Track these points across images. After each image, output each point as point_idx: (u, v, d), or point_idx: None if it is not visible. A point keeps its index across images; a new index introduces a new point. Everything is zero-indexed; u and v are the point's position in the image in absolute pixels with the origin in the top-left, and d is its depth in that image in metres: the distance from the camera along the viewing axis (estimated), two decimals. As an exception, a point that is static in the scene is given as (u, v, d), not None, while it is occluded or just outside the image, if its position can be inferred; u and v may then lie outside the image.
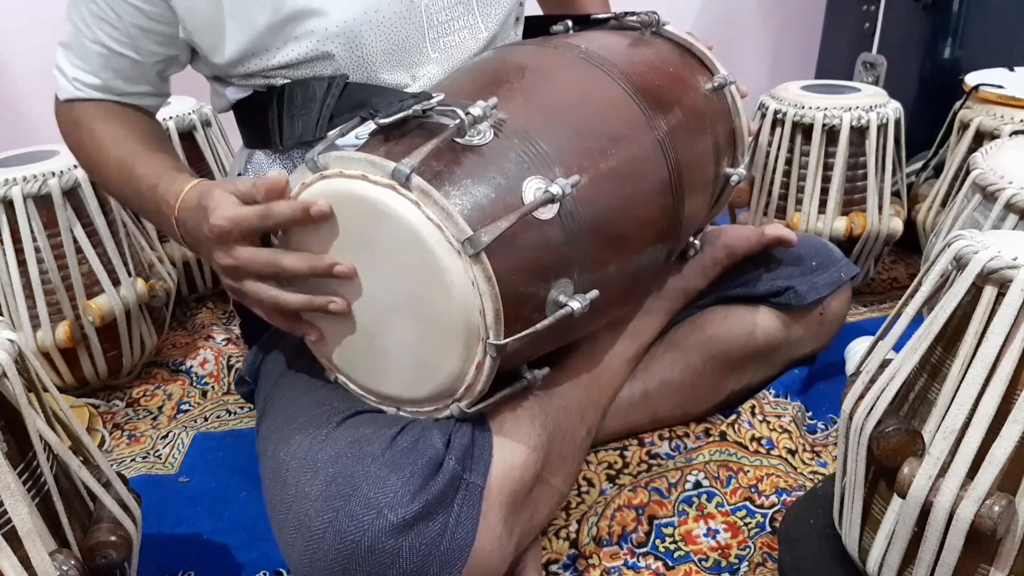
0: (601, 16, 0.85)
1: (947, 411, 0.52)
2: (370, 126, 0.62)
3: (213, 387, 1.11)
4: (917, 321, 0.58)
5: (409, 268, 0.59)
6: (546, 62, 0.73)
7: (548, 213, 0.60)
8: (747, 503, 0.81)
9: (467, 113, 0.59)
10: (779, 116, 1.17)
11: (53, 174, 0.98)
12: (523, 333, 0.59)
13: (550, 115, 0.67)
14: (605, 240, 0.66)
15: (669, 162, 0.72)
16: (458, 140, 0.60)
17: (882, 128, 1.14)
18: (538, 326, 0.59)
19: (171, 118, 1.23)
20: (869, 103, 1.14)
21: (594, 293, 0.62)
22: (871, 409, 0.57)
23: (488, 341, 0.58)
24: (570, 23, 0.84)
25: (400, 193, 0.57)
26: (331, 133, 0.64)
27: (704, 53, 0.83)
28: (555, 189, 0.59)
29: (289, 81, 0.73)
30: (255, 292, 0.63)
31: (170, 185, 0.69)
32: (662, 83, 0.75)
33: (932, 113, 1.31)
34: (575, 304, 0.60)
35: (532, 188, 0.60)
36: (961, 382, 0.52)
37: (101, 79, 0.76)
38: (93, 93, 0.77)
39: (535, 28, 0.87)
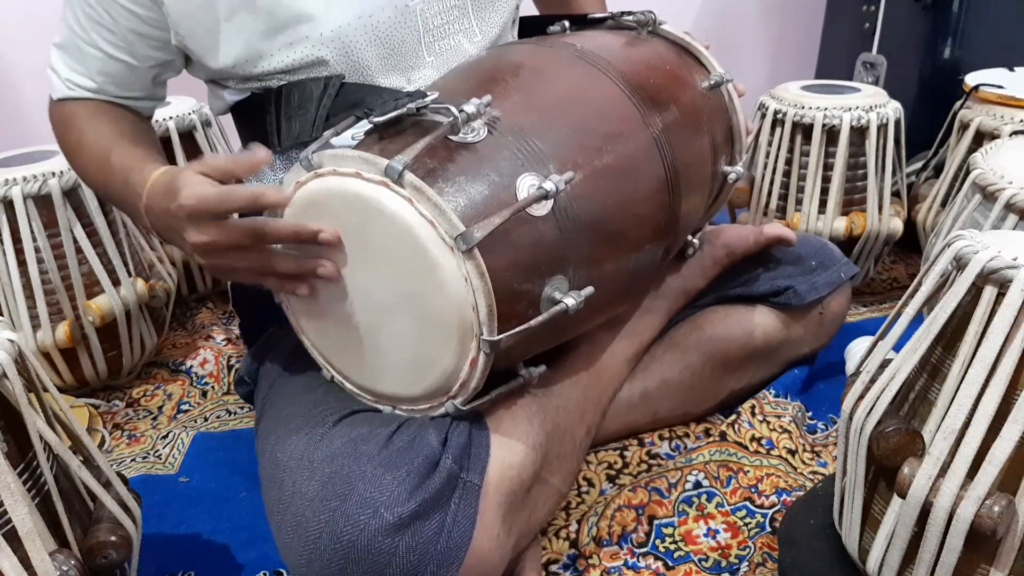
0: (598, 16, 0.85)
1: (947, 411, 0.52)
2: (365, 125, 0.62)
3: (213, 387, 1.11)
4: (917, 321, 0.58)
5: (402, 265, 0.59)
6: (542, 61, 0.73)
7: (542, 210, 0.60)
8: (747, 503, 0.81)
9: (460, 111, 0.59)
10: (779, 116, 1.17)
11: (53, 174, 0.98)
12: (517, 329, 0.59)
13: (545, 113, 0.67)
14: (601, 237, 0.66)
15: (665, 159, 0.72)
16: (452, 137, 0.60)
17: (882, 128, 1.14)
18: (532, 322, 0.59)
19: (171, 118, 1.23)
20: (869, 103, 1.14)
21: (589, 290, 0.61)
22: (871, 409, 0.57)
23: (482, 337, 0.58)
24: (567, 23, 0.84)
25: (393, 190, 0.57)
26: (326, 132, 0.64)
27: (701, 52, 0.83)
28: (549, 185, 0.59)
29: (285, 83, 0.73)
30: (239, 262, 0.62)
31: (139, 174, 0.69)
32: (658, 81, 0.75)
33: (932, 113, 1.31)
34: (570, 301, 0.60)
35: (526, 184, 0.60)
36: (961, 382, 0.52)
37: (96, 82, 0.76)
38: (86, 94, 0.77)
39: (532, 28, 0.87)
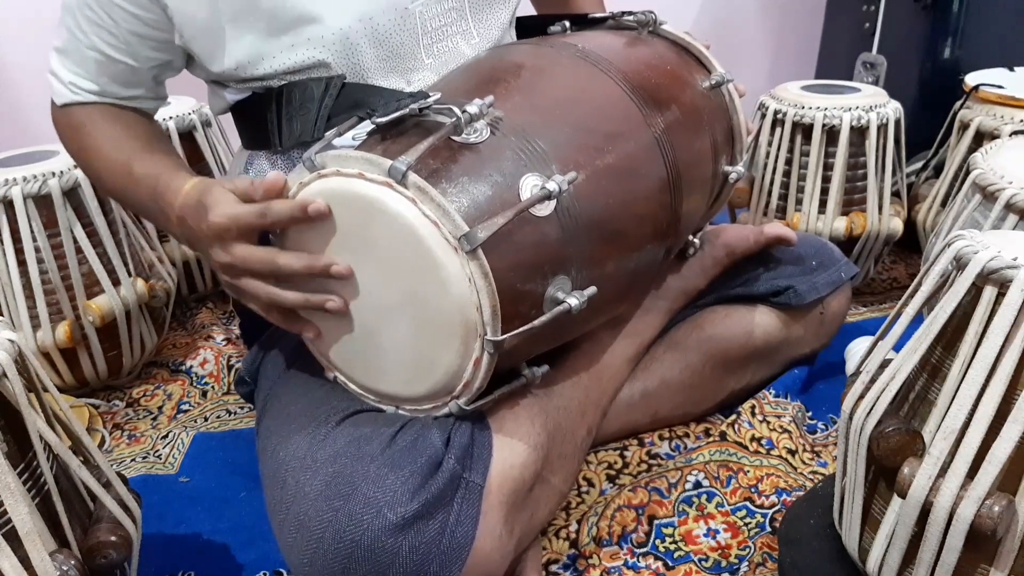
0: (598, 16, 0.85)
1: (947, 411, 0.52)
2: (367, 126, 0.62)
3: (213, 387, 1.11)
4: (917, 321, 0.58)
5: (406, 265, 0.59)
6: (543, 61, 0.73)
7: (545, 210, 0.60)
8: (747, 503, 0.81)
9: (463, 111, 0.59)
10: (779, 116, 1.17)
11: (53, 174, 0.98)
12: (521, 330, 0.59)
13: (547, 113, 0.67)
14: (603, 237, 0.66)
15: (667, 159, 0.72)
16: (455, 138, 0.60)
17: (882, 128, 1.14)
18: (536, 323, 0.59)
19: (171, 118, 1.23)
20: (869, 103, 1.14)
21: (592, 290, 0.62)
22: (871, 409, 0.57)
23: (486, 337, 0.58)
24: (567, 23, 0.84)
25: (396, 190, 0.57)
26: (328, 133, 0.64)
27: (701, 52, 0.83)
28: (552, 186, 0.59)
29: (287, 83, 0.73)
30: (252, 289, 0.64)
31: (169, 183, 0.70)
32: (659, 81, 0.76)
33: (932, 113, 1.31)
34: (573, 301, 0.60)
35: (529, 185, 0.60)
36: (961, 382, 0.52)
37: (98, 84, 0.76)
38: (90, 97, 0.77)
39: (531, 28, 0.87)
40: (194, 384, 1.12)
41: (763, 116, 1.20)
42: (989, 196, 0.85)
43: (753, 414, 0.90)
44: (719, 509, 0.80)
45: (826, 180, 1.16)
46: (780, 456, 0.86)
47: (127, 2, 0.70)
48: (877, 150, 1.14)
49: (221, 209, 0.62)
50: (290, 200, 0.61)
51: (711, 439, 0.88)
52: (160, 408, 1.07)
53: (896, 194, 1.23)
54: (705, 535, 0.77)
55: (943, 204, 1.14)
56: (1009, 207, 0.82)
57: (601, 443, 0.86)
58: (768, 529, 0.78)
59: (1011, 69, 1.25)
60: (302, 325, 0.67)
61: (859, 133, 1.14)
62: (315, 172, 0.61)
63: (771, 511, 0.79)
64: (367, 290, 0.63)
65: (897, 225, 1.19)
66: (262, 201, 0.62)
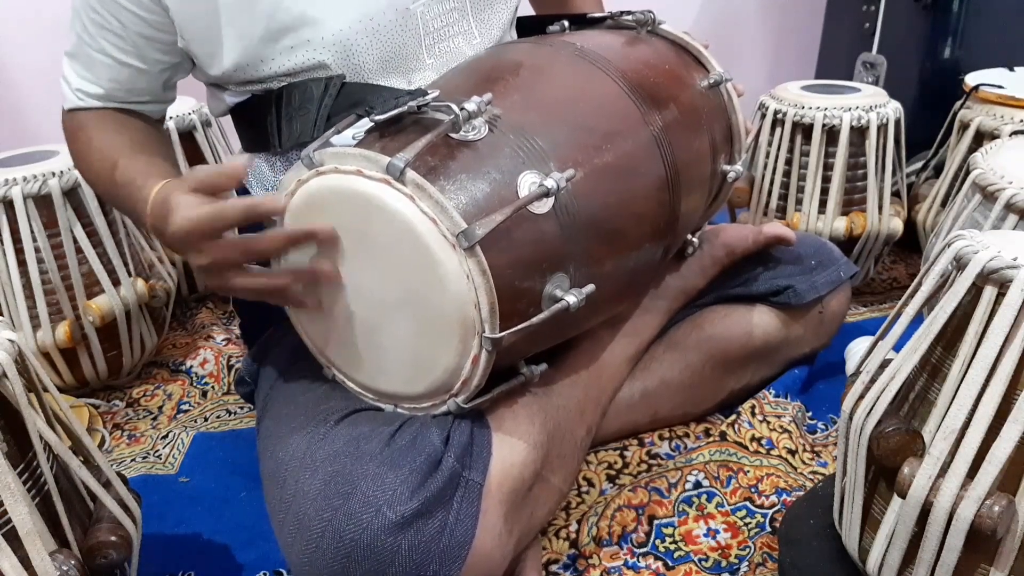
0: (597, 15, 0.85)
1: (947, 411, 0.52)
2: (366, 124, 0.62)
3: (213, 387, 1.11)
4: (917, 321, 0.58)
5: (404, 262, 0.59)
6: (541, 59, 0.73)
7: (543, 207, 0.60)
8: (747, 503, 0.81)
9: (462, 108, 0.59)
10: (779, 116, 1.17)
11: (53, 174, 0.98)
12: (519, 327, 0.59)
13: (545, 111, 0.67)
14: (601, 235, 0.66)
15: (665, 158, 0.72)
16: (453, 135, 0.60)
17: (882, 128, 1.14)
18: (534, 320, 0.59)
19: (171, 118, 1.23)
20: (869, 103, 1.14)
21: (590, 287, 0.62)
22: (871, 409, 0.57)
23: (483, 335, 0.58)
24: (566, 23, 0.84)
25: (394, 187, 0.57)
26: (327, 131, 0.64)
27: (700, 51, 0.83)
28: (550, 183, 0.59)
29: (286, 84, 0.73)
30: (242, 284, 0.63)
31: (142, 190, 0.69)
32: (657, 80, 0.76)
33: (932, 113, 1.31)
34: (571, 298, 0.60)
35: (527, 182, 0.60)
36: (961, 382, 0.52)
37: (104, 89, 0.77)
38: (95, 103, 0.77)
39: (530, 28, 0.87)
40: (194, 384, 1.12)
41: (763, 116, 1.20)
42: (989, 196, 0.85)
43: (753, 414, 0.90)
44: (719, 509, 0.80)
45: (826, 180, 1.16)
46: (780, 456, 0.86)
47: (131, 4, 0.70)
48: (877, 150, 1.14)
49: (181, 213, 0.61)
50: (241, 200, 0.61)
51: (711, 439, 0.88)
52: (160, 408, 1.07)
53: (896, 194, 1.23)
54: (705, 535, 0.77)
55: (943, 204, 1.14)
56: (1009, 207, 0.82)
57: (601, 443, 0.86)
58: (768, 529, 0.78)
59: (1011, 69, 1.25)
60: (299, 300, 0.65)
61: (859, 133, 1.14)
62: (313, 169, 0.61)
63: (771, 511, 0.79)
64: (365, 287, 0.63)
65: (897, 225, 1.19)
66: (225, 188, 0.62)
